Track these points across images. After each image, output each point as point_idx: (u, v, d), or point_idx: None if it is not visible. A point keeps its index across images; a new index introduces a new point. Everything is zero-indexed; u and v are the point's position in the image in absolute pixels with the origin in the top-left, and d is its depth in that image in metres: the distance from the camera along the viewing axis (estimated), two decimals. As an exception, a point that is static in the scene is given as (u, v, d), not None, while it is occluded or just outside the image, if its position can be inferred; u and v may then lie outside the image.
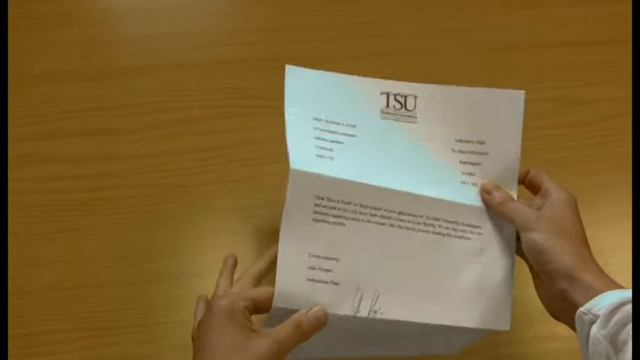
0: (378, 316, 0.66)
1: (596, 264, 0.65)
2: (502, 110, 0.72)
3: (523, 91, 0.72)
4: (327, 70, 0.72)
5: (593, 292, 0.61)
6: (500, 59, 0.95)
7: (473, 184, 0.72)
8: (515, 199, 0.71)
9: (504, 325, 0.69)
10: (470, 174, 0.72)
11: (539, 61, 0.95)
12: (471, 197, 0.71)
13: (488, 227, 0.71)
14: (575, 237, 0.66)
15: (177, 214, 0.82)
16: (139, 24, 0.93)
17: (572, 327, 0.63)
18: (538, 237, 0.66)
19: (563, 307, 0.64)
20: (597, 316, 0.59)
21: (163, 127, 0.86)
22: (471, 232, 0.71)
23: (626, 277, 0.80)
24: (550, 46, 0.96)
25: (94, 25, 0.92)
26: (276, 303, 0.63)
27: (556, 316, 0.67)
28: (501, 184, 0.71)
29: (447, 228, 0.70)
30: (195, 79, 0.89)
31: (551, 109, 0.93)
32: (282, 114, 0.84)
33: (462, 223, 0.70)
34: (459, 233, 0.70)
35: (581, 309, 0.61)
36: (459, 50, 0.94)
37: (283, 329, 0.62)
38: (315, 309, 0.64)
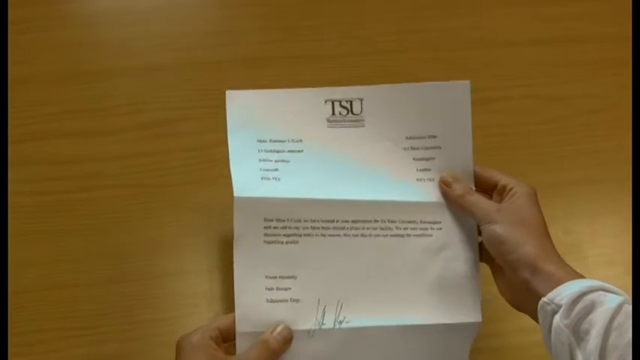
0: (344, 325, 0.66)
1: (558, 255, 0.65)
2: (450, 102, 0.71)
3: (468, 81, 0.71)
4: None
5: (555, 282, 0.61)
6: (475, 57, 0.95)
7: (429, 180, 0.72)
8: (474, 190, 0.71)
9: (475, 317, 0.69)
10: (425, 170, 0.72)
11: (514, 60, 0.96)
12: (428, 193, 0.71)
13: (448, 221, 0.71)
14: (537, 228, 0.66)
15: (161, 213, 0.83)
16: (118, 27, 0.93)
17: (534, 317, 0.63)
18: (499, 228, 0.66)
19: (525, 297, 0.64)
20: (560, 306, 0.59)
21: (145, 128, 0.87)
22: (431, 228, 0.70)
23: (604, 270, 0.84)
24: (525, 44, 0.97)
25: (73, 28, 0.92)
26: (239, 328, 0.65)
27: (516, 306, 0.67)
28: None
29: (406, 228, 0.70)
30: (174, 81, 0.90)
31: (528, 107, 0.94)
32: None
33: (421, 221, 0.70)
34: (419, 232, 0.70)
35: (544, 299, 0.61)
36: (437, 49, 0.95)
37: (251, 352, 0.64)
38: (278, 329, 0.65)
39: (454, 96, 0.71)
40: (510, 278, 0.66)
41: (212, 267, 0.80)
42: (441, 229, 0.70)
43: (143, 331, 0.77)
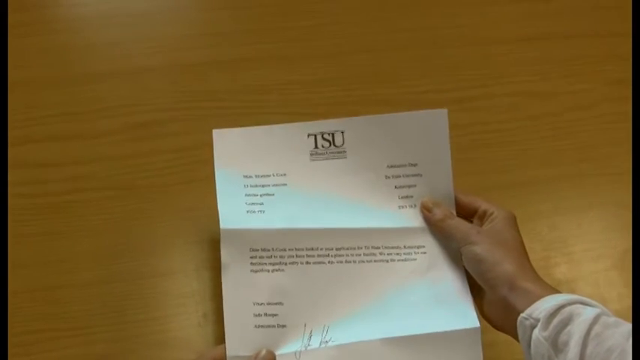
0: (330, 344, 0.67)
1: (536, 273, 0.66)
2: (428, 130, 0.72)
3: (445, 110, 0.72)
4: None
5: (533, 298, 0.62)
6: (460, 55, 0.95)
7: (411, 206, 0.73)
8: (454, 214, 0.72)
9: (472, 322, 0.68)
10: (407, 197, 0.73)
11: (500, 57, 0.96)
12: (410, 219, 0.72)
13: (432, 245, 0.72)
14: (515, 249, 0.67)
15: (151, 213, 0.83)
16: (104, 30, 0.93)
17: (514, 336, 0.64)
18: (478, 248, 0.67)
19: (504, 315, 0.65)
20: (538, 320, 0.60)
21: (133, 129, 0.87)
22: (415, 252, 0.71)
23: (591, 265, 0.85)
24: (509, 41, 0.97)
25: (60, 33, 0.93)
26: (230, 352, 0.66)
27: (497, 327, 0.67)
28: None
29: (390, 254, 0.71)
30: (161, 83, 0.90)
31: (515, 103, 0.94)
32: (245, 114, 0.87)
33: (405, 246, 0.71)
34: (403, 256, 0.71)
35: (522, 314, 0.61)
36: (420, 47, 0.95)
37: None
38: (262, 352, 0.67)
39: (432, 124, 0.72)
40: (490, 297, 0.67)
41: (200, 267, 0.81)
42: (425, 252, 0.71)
43: (134, 331, 0.77)
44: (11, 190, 0.82)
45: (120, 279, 0.79)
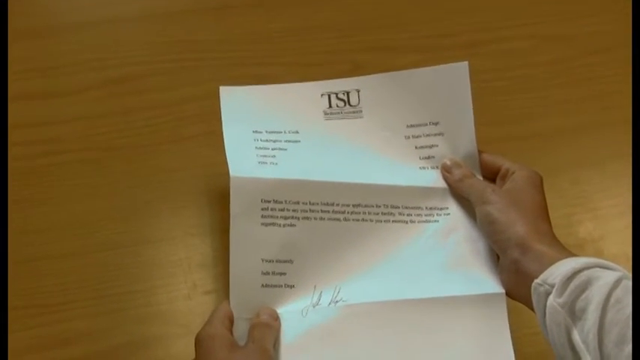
0: (340, 304, 0.65)
1: (554, 237, 0.64)
2: (449, 86, 0.71)
3: (466, 62, 0.70)
4: None
5: (547, 261, 0.60)
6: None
7: (433, 168, 0.71)
8: (480, 177, 0.70)
9: (496, 287, 0.66)
10: (428, 158, 0.71)
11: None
12: (432, 180, 0.71)
13: (455, 207, 0.70)
14: (532, 210, 0.65)
15: (131, 177, 0.78)
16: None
17: (529, 304, 0.61)
18: (491, 208, 0.65)
19: (517, 281, 0.63)
20: (553, 286, 0.58)
21: (108, 85, 0.82)
22: (437, 214, 0.70)
23: (616, 222, 0.82)
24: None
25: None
26: (236, 314, 0.65)
27: (511, 294, 0.65)
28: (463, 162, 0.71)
29: (409, 214, 0.69)
30: (136, 34, 0.85)
31: (529, 48, 0.89)
32: (233, 65, 0.83)
33: (427, 207, 0.70)
34: (424, 218, 0.70)
35: (536, 280, 0.59)
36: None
37: (253, 332, 0.64)
38: (263, 313, 0.65)
39: (453, 79, 0.71)
40: (502, 262, 0.65)
41: (188, 233, 0.77)
42: (448, 214, 0.70)
43: (116, 305, 0.73)
44: (-22, 154, 0.77)
45: (99, 249, 0.75)
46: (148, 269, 0.75)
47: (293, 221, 0.67)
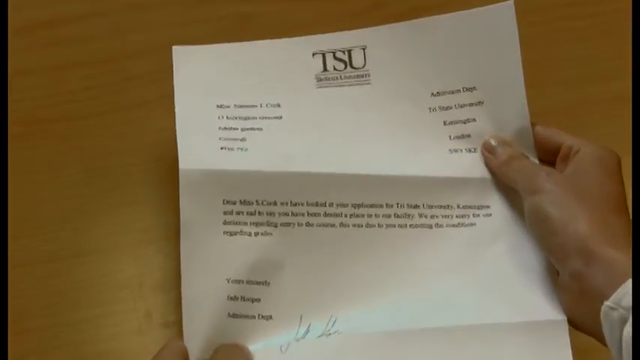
0: (336, 336, 0.56)
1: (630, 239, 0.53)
2: (489, 36, 0.60)
3: (511, 1, 0.60)
4: None
5: (620, 274, 0.49)
6: None
7: (469, 150, 0.60)
8: (535, 160, 0.60)
9: (556, 313, 0.55)
10: (462, 136, 0.61)
11: None
12: (468, 167, 0.60)
13: (500, 204, 0.60)
14: (600, 201, 0.54)
15: (57, 162, 0.65)
16: None
17: (598, 335, 0.51)
18: (542, 200, 0.55)
19: (581, 303, 0.53)
20: (629, 310, 0.48)
21: (27, 33, 0.69)
22: (475, 214, 0.60)
23: None
24: None
25: None
26: (192, 354, 0.56)
27: (575, 321, 0.55)
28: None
29: (435, 216, 0.59)
30: None
31: None
32: (199, 4, 0.68)
33: (460, 206, 0.59)
34: (456, 220, 0.59)
35: (607, 302, 0.49)
36: None
37: (216, 356, 0.57)
38: (222, 350, 0.55)
39: (493, 27, 0.60)
40: (561, 277, 0.55)
41: (140, 240, 0.63)
42: (490, 215, 0.60)
43: (33, 344, 0.60)
44: None
45: (16, 263, 0.62)
46: (83, 292, 0.63)
47: (268, 229, 0.57)
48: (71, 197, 0.64)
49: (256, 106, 0.61)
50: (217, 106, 0.60)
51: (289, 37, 0.62)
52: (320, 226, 0.58)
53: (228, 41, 0.61)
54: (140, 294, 0.62)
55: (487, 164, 0.60)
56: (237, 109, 0.61)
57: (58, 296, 0.62)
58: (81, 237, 0.64)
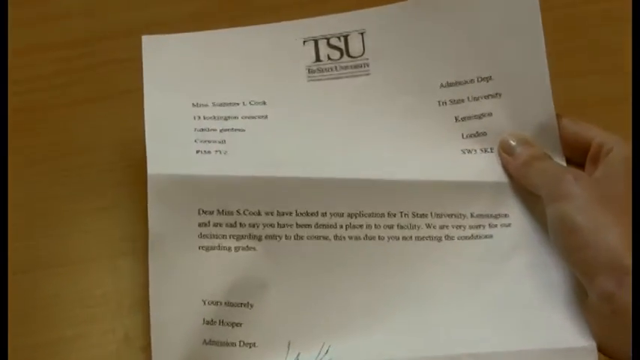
0: None
1: None
2: (506, 17, 0.56)
3: None
4: None
5: None
6: None
7: (484, 150, 0.56)
8: (562, 161, 0.55)
9: (584, 339, 0.51)
10: (476, 134, 0.56)
11: None
12: (483, 171, 0.56)
13: (520, 213, 0.56)
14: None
15: (21, 161, 0.59)
16: None
17: None
18: (568, 207, 0.51)
19: (612, 327, 0.49)
20: None
21: None
22: (491, 224, 0.55)
23: None
24: None
25: None
26: None
27: (605, 348, 0.51)
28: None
29: (444, 227, 0.55)
30: None
31: None
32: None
33: (473, 214, 0.55)
34: (469, 232, 0.55)
35: None
36: None
37: None
38: None
39: (513, 5, 0.56)
40: (590, 298, 0.51)
41: (117, 251, 0.58)
42: (508, 225, 0.55)
43: None
44: None
45: None
46: (53, 310, 0.57)
47: (251, 243, 0.53)
48: (42, 200, 0.59)
49: (238, 104, 0.57)
50: (193, 104, 0.56)
51: (286, 17, 0.57)
52: (311, 238, 0.54)
53: (217, 21, 0.57)
54: (118, 312, 0.56)
55: (505, 166, 0.56)
56: (216, 108, 0.56)
57: (20, 316, 0.56)
58: (49, 247, 0.58)
